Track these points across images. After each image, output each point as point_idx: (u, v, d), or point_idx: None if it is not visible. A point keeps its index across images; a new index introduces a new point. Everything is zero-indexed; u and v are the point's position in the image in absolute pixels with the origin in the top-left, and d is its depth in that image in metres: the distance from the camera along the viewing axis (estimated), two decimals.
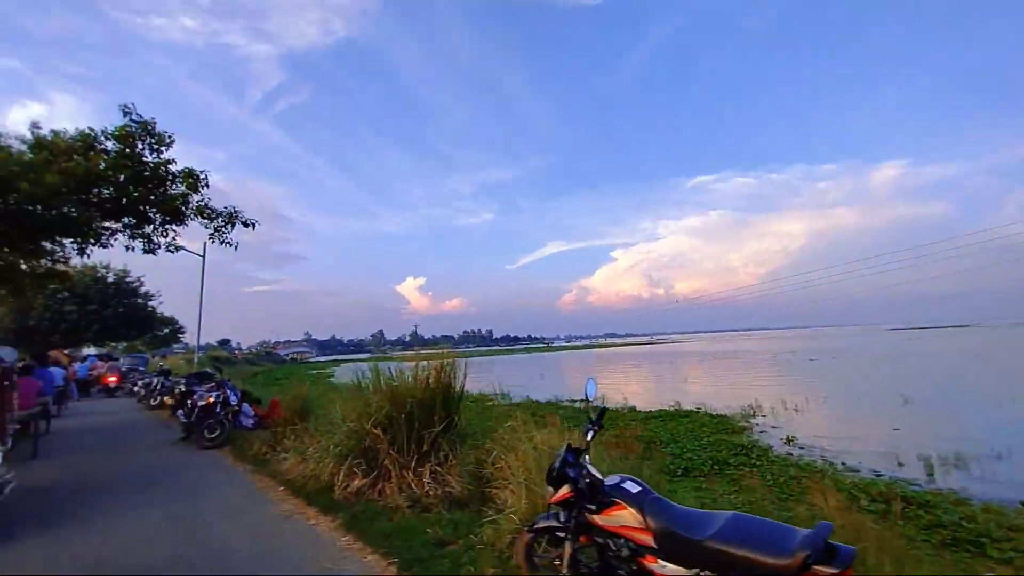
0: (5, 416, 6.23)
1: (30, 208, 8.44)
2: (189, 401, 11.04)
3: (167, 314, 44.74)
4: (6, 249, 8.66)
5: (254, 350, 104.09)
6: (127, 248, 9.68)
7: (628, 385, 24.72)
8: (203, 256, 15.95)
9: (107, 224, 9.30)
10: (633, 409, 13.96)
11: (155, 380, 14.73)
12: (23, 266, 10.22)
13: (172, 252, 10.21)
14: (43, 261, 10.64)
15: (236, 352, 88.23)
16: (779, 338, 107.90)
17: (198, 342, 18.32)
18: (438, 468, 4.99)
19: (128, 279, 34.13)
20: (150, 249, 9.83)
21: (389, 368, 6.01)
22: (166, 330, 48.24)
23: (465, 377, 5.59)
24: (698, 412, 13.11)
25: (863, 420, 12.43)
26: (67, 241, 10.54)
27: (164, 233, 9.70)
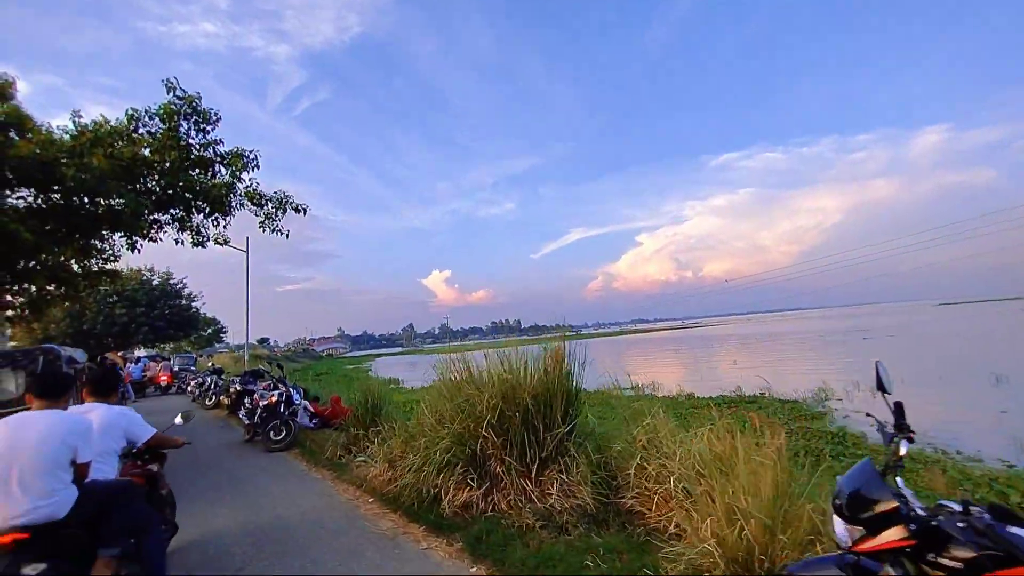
0: None
1: (77, 201, 7.98)
2: (248, 400, 10.61)
3: (208, 315, 45.90)
4: (56, 249, 8.24)
5: (291, 347, 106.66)
6: (177, 242, 9.19)
7: (675, 371, 23.45)
8: (247, 251, 15.60)
9: (155, 216, 8.80)
10: (692, 396, 12.89)
11: (208, 379, 14.52)
12: (75, 266, 9.89)
13: (221, 245, 9.71)
14: (93, 260, 10.31)
15: (275, 349, 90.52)
16: (819, 318, 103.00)
17: (247, 340, 18.16)
18: (563, 477, 4.15)
19: (172, 281, 34.88)
20: (199, 242, 9.32)
21: (467, 359, 5.29)
22: (209, 330, 49.56)
23: (584, 366, 4.70)
24: (764, 397, 11.97)
25: (957, 402, 11.08)
26: (116, 237, 10.18)
27: (215, 223, 9.11)
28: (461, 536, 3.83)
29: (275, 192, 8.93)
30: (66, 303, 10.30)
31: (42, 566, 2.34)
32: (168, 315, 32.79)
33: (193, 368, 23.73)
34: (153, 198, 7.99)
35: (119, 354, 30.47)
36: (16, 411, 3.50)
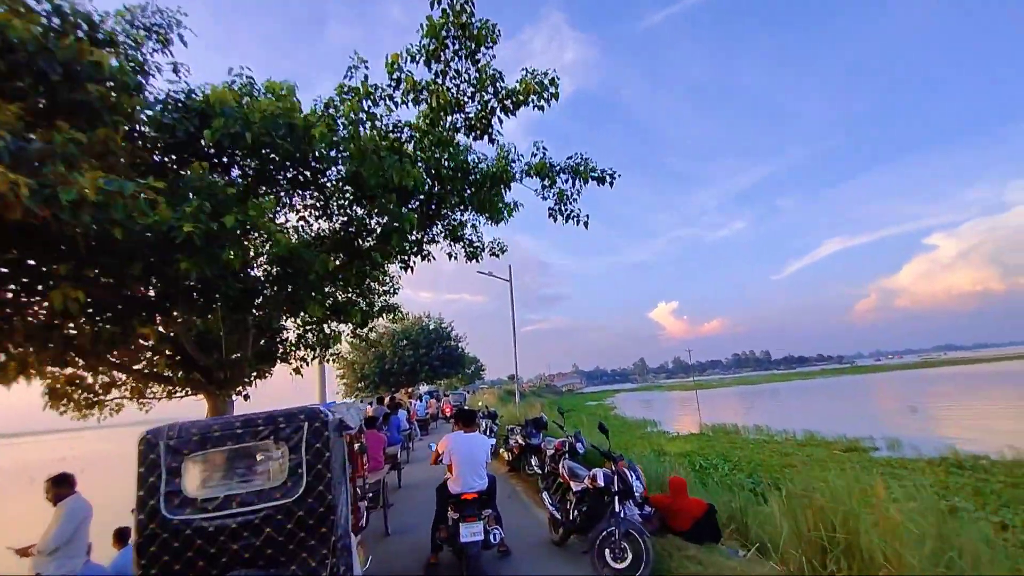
0: (356, 491, 4.91)
1: (348, 219, 6.70)
2: (537, 460, 7.95)
3: (470, 354, 50.60)
4: (339, 278, 7.13)
5: (533, 382, 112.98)
6: (449, 256, 7.40)
7: None
8: (510, 280, 14.26)
9: (424, 231, 7.08)
10: None
11: (484, 423, 12.95)
12: (362, 302, 9.17)
13: (497, 256, 7.57)
14: (377, 299, 9.59)
15: (523, 384, 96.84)
16: None
17: (516, 374, 16.74)
18: None
19: (443, 325, 39.18)
20: (473, 254, 7.34)
21: None
22: (472, 368, 54.87)
23: None
24: None
25: None
26: (392, 265, 9.16)
27: (492, 219, 6.83)
28: None
29: (569, 158, 6.12)
30: (360, 341, 9.59)
31: (488, 510, 4.84)
32: (442, 355, 36.50)
33: (466, 407, 24.21)
34: (421, 197, 6.08)
35: (408, 390, 35.03)
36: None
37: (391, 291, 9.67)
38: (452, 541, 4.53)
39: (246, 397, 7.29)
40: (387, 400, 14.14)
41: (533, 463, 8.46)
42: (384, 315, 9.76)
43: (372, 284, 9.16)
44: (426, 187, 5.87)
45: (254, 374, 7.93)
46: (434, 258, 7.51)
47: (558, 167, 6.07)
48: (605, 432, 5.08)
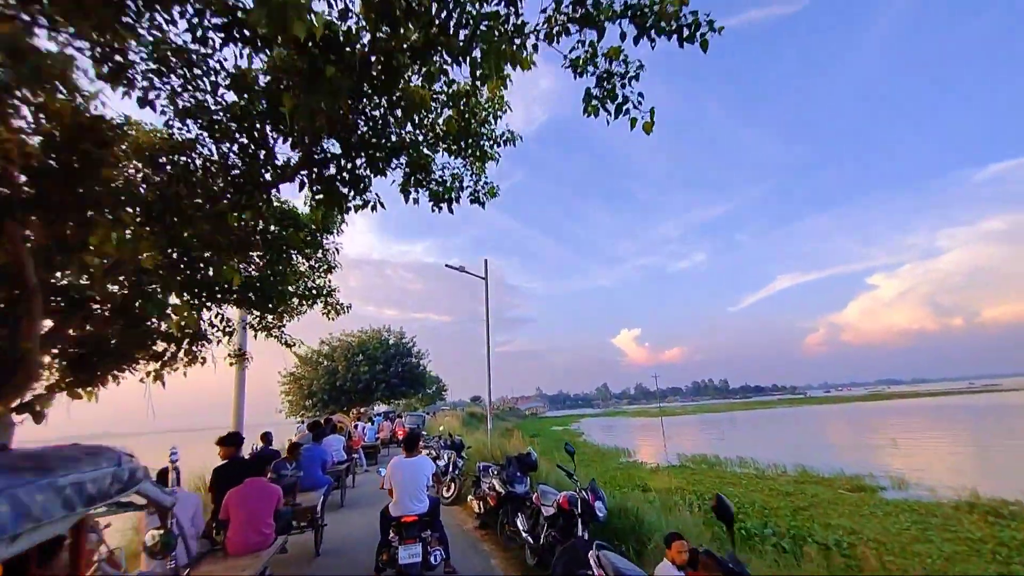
0: None
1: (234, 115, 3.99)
2: (523, 517, 5.26)
3: (432, 373, 46.94)
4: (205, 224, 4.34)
5: (497, 405, 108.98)
6: (406, 197, 4.70)
7: None
8: (486, 278, 11.58)
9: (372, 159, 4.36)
10: None
11: (445, 456, 9.98)
12: (289, 290, 6.32)
13: (481, 203, 4.96)
14: (298, 276, 6.78)
15: (486, 407, 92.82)
16: None
17: (489, 395, 13.83)
18: None
19: (404, 340, 35.71)
20: (443, 196, 4.69)
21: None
22: (433, 388, 51.09)
23: None
24: None
25: None
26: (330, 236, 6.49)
27: (473, 153, 4.23)
28: None
29: None
30: (267, 336, 6.62)
31: (429, 532, 4.84)
32: (402, 373, 33.01)
33: (422, 430, 20.85)
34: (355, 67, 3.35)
35: (361, 410, 31.16)
36: None
37: (322, 267, 6.84)
38: (392, 563, 4.66)
39: (38, 416, 4.21)
40: (324, 422, 10.92)
41: (519, 524, 5.64)
42: (308, 302, 6.84)
43: (292, 254, 6.32)
44: (364, 39, 3.22)
45: (69, 375, 4.84)
46: (383, 205, 4.77)
47: (607, 5, 3.41)
48: (728, 519, 2.30)
